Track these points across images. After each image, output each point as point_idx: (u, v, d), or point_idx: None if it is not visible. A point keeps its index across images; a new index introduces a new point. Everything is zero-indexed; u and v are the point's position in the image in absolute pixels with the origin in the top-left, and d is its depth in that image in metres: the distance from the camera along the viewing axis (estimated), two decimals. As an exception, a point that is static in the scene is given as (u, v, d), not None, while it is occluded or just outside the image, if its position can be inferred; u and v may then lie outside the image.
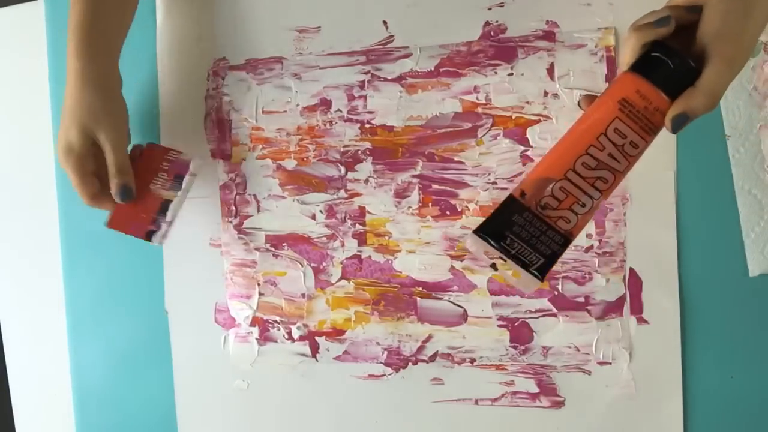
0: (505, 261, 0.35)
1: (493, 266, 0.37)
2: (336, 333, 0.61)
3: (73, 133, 0.55)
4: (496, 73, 0.56)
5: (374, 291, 0.60)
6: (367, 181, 0.59)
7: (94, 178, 0.57)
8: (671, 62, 0.36)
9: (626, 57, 0.39)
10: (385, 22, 0.58)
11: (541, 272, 0.35)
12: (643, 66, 0.37)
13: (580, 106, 0.42)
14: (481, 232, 0.36)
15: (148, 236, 0.60)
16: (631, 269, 0.54)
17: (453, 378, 0.58)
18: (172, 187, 0.60)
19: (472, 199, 0.57)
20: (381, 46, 0.59)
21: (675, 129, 0.37)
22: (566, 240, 0.36)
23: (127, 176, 0.57)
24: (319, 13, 0.60)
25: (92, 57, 0.55)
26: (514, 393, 0.57)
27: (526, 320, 0.56)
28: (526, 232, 0.35)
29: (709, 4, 0.37)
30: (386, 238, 0.59)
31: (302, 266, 0.61)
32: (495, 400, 0.58)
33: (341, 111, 0.60)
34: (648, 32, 0.38)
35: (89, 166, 0.56)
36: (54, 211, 0.69)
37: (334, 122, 0.60)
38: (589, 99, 0.40)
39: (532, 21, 0.55)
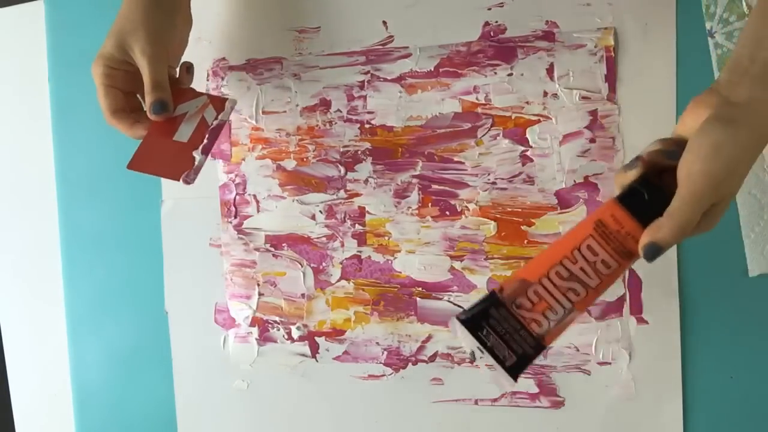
0: (482, 352, 0.38)
1: (472, 355, 0.40)
2: (336, 333, 0.61)
3: (109, 43, 0.53)
4: (495, 73, 0.56)
5: (374, 291, 0.60)
6: (366, 181, 0.59)
7: (119, 92, 0.54)
8: (646, 193, 0.39)
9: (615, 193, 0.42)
10: (384, 23, 0.59)
11: (514, 371, 0.38)
12: (622, 196, 0.40)
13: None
14: (461, 319, 0.39)
15: (186, 176, 0.54)
16: (630, 269, 0.54)
17: (453, 378, 0.58)
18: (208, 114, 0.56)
19: (471, 199, 0.57)
20: (381, 47, 0.59)
21: (647, 257, 0.38)
22: (538, 344, 0.39)
23: (163, 91, 0.53)
24: (318, 14, 0.60)
25: None
26: (514, 393, 0.57)
27: (526, 320, 0.56)
28: (501, 327, 0.38)
29: (689, 142, 0.38)
30: (386, 238, 0.59)
31: (302, 266, 0.61)
32: (495, 400, 0.58)
33: (341, 111, 0.60)
34: (622, 176, 0.41)
35: (117, 79, 0.54)
36: (54, 211, 0.69)
37: (333, 122, 0.60)
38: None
39: (531, 21, 0.55)
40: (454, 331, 0.39)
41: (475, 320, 0.38)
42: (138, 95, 0.56)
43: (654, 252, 0.38)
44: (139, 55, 0.53)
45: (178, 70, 0.57)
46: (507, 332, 0.38)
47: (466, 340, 0.39)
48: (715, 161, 0.36)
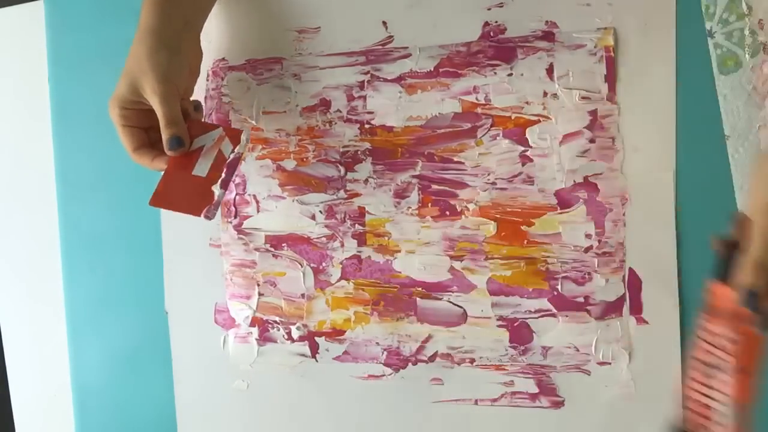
0: None
1: None
2: (335, 333, 0.61)
3: (122, 83, 0.54)
4: (495, 73, 0.56)
5: (374, 291, 0.60)
6: (366, 181, 0.59)
7: (137, 130, 0.56)
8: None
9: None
10: (384, 23, 0.59)
11: None
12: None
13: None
14: None
15: (207, 212, 0.55)
16: (630, 269, 0.54)
17: (453, 378, 0.58)
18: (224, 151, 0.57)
19: (471, 200, 0.57)
20: (380, 47, 0.59)
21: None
22: None
23: (177, 126, 0.54)
24: (318, 14, 0.60)
25: (158, 13, 0.54)
26: (514, 393, 0.57)
27: (526, 320, 0.56)
28: None
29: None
30: (386, 238, 0.59)
31: (302, 266, 0.61)
32: (495, 400, 0.58)
33: (341, 111, 0.60)
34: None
35: (134, 118, 0.56)
36: (54, 211, 0.69)
37: (333, 122, 0.60)
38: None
39: (531, 21, 0.55)
40: None
41: None
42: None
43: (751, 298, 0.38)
44: (150, 94, 0.54)
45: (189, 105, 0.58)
46: None
47: None
48: None
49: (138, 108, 0.55)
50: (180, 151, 0.55)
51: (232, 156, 0.56)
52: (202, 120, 0.59)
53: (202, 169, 0.56)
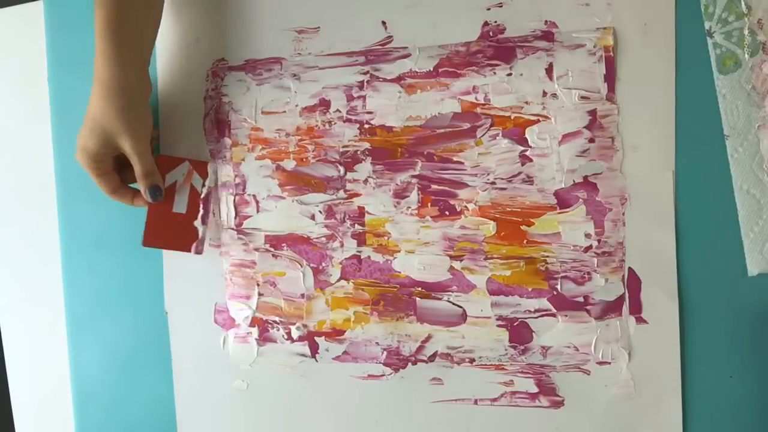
0: None
1: None
2: (335, 333, 0.61)
3: (92, 140, 0.56)
4: (494, 73, 0.56)
5: (373, 291, 0.60)
6: (366, 181, 0.59)
7: (112, 175, 0.59)
8: None
9: None
10: (384, 23, 0.59)
11: None
12: None
13: None
14: None
15: (196, 248, 0.61)
16: (630, 269, 0.54)
17: (452, 378, 0.58)
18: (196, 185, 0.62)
19: (471, 199, 0.57)
20: (380, 47, 0.59)
21: None
22: None
23: (154, 176, 0.59)
24: (317, 14, 0.60)
25: (120, 66, 0.54)
26: (514, 393, 0.57)
27: (526, 320, 0.56)
28: None
29: None
30: (385, 238, 0.59)
31: (301, 266, 0.61)
32: (494, 400, 0.58)
33: (340, 111, 0.60)
34: None
35: (106, 167, 0.58)
36: (54, 211, 0.69)
37: (333, 123, 0.60)
38: None
39: (530, 21, 0.55)
40: None
41: None
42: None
43: None
44: (129, 151, 0.57)
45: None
46: None
47: None
48: None
49: (111, 155, 0.58)
50: (159, 199, 0.60)
51: (204, 192, 0.61)
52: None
53: (180, 205, 0.61)
